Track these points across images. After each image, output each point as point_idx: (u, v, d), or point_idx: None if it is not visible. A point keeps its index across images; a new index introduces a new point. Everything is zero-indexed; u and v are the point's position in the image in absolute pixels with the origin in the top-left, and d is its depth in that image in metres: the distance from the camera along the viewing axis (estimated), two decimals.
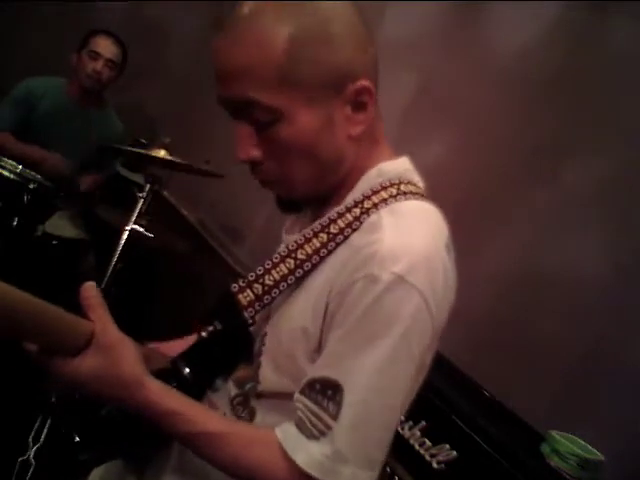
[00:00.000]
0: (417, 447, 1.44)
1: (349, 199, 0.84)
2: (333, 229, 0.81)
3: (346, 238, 0.80)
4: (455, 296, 0.82)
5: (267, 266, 0.82)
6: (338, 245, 0.80)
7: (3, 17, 3.32)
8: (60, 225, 2.36)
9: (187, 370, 0.89)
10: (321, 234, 0.81)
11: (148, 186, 2.14)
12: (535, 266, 1.77)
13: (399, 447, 1.47)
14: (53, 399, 1.56)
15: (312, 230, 0.82)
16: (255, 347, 0.89)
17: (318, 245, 0.81)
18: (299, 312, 0.81)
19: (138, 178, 2.89)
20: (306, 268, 0.81)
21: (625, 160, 1.64)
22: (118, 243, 2.08)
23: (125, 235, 2.08)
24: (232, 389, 0.93)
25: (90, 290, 0.77)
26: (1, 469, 1.53)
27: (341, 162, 0.84)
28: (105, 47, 2.60)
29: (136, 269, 2.42)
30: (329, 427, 0.71)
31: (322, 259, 0.81)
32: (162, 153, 2.15)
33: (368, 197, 0.82)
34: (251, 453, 0.76)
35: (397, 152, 0.90)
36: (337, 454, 0.71)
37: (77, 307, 0.77)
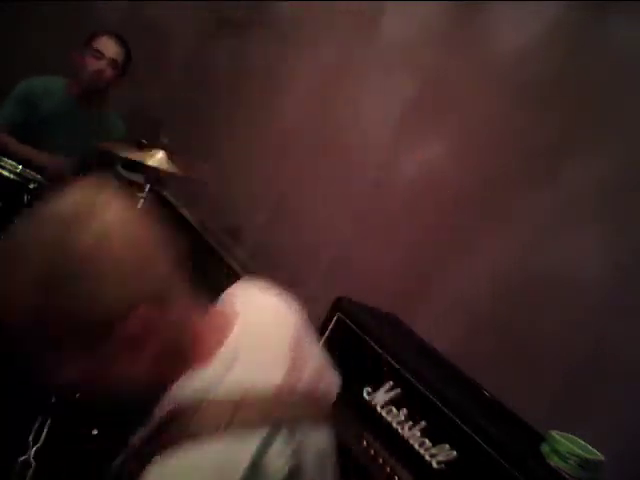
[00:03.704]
0: (417, 447, 1.44)
1: (155, 419, 0.74)
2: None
3: None
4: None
5: None
6: None
7: (3, 17, 3.32)
8: None
9: None
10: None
11: (148, 186, 2.15)
12: (535, 266, 1.77)
13: (399, 447, 1.47)
14: (53, 399, 1.56)
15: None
16: None
17: None
18: None
19: (138, 178, 2.89)
20: None
21: (625, 160, 1.64)
22: None
23: None
24: None
25: None
26: (1, 469, 1.53)
27: (138, 386, 0.74)
28: (109, 47, 2.60)
29: None
30: None
31: None
32: (160, 155, 2.15)
33: (159, 430, 0.72)
34: None
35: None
36: None
37: None
